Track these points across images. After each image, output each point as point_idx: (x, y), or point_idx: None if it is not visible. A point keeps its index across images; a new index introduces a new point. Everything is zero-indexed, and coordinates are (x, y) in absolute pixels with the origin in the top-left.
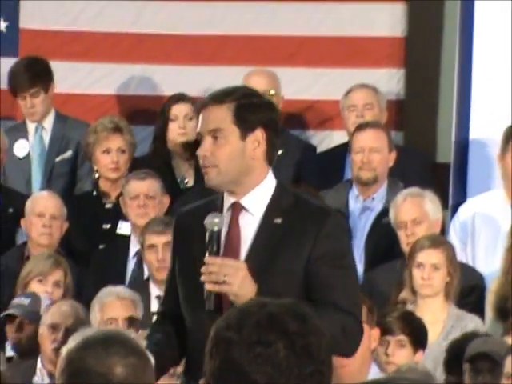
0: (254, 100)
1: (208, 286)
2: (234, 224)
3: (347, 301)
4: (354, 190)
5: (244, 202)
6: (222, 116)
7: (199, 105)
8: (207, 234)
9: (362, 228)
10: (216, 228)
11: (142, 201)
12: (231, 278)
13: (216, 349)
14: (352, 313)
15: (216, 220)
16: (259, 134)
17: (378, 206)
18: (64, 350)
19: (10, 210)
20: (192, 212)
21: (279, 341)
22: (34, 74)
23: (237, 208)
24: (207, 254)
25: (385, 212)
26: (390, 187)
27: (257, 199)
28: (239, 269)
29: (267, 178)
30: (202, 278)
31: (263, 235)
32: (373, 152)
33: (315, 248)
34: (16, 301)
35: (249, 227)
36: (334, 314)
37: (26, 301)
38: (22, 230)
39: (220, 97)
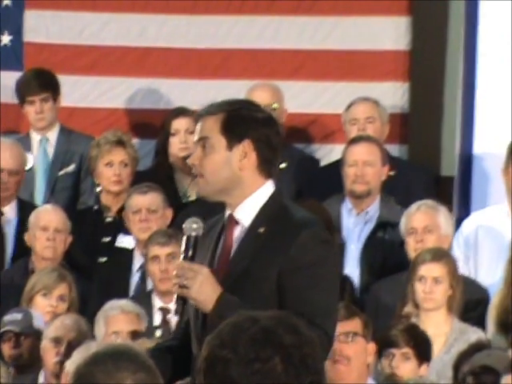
0: (243, 112)
1: (173, 289)
2: (228, 236)
3: (318, 315)
4: (348, 204)
5: (236, 213)
6: (211, 125)
7: (197, 117)
8: (184, 238)
9: (355, 241)
10: (193, 233)
11: (144, 215)
12: (190, 282)
13: (212, 367)
14: (322, 328)
15: (194, 226)
16: (246, 146)
17: (371, 220)
18: (68, 364)
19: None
20: (207, 225)
21: (276, 355)
22: (45, 81)
23: (231, 220)
24: (181, 258)
25: (380, 226)
26: (383, 201)
27: (247, 210)
28: (199, 273)
29: (260, 189)
30: (172, 280)
31: (245, 244)
32: (366, 165)
33: (287, 259)
34: (8, 317)
35: (238, 238)
36: None
37: (18, 316)
38: None
39: (214, 108)
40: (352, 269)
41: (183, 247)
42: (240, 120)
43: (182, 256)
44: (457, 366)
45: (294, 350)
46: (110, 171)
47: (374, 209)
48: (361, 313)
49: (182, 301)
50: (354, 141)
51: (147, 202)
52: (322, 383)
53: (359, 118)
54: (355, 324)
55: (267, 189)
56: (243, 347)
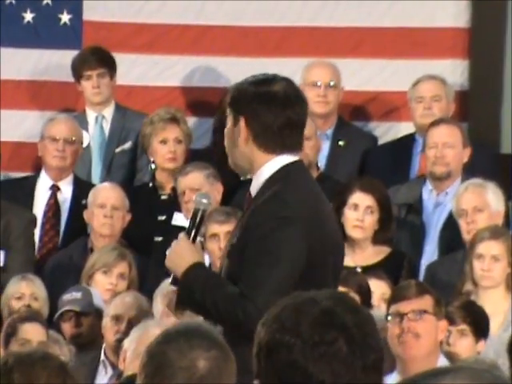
0: (245, 87)
1: None
2: (244, 212)
3: (249, 286)
4: (428, 185)
5: (251, 189)
6: (227, 101)
7: None
8: (192, 211)
9: (435, 223)
10: (201, 207)
11: (187, 196)
12: (168, 251)
13: (275, 352)
14: (250, 299)
15: (204, 200)
16: (241, 122)
17: (451, 201)
18: (126, 342)
19: (83, 202)
20: None
21: (340, 337)
22: (102, 57)
23: (249, 196)
24: (186, 231)
25: None
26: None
27: (255, 186)
28: (176, 243)
29: (266, 165)
30: None
31: (242, 220)
32: (446, 147)
33: (246, 234)
34: (68, 296)
35: None
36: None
37: (78, 295)
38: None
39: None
40: (431, 248)
41: (189, 219)
42: (239, 96)
43: (186, 228)
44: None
45: (356, 330)
46: (165, 148)
47: (454, 190)
48: (432, 290)
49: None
50: (435, 123)
51: (189, 182)
52: (384, 359)
53: (425, 96)
54: (425, 302)
55: (274, 164)
56: (306, 331)
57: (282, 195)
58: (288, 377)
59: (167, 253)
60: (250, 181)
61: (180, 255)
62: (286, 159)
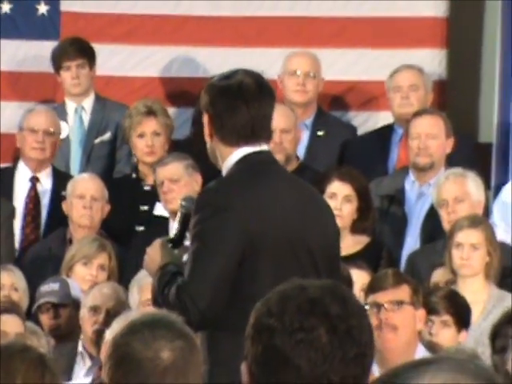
0: (212, 81)
1: None
2: None
3: (186, 276)
4: (411, 176)
5: None
6: None
7: None
8: (178, 214)
9: (417, 213)
10: (183, 210)
11: (166, 186)
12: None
13: (258, 335)
14: (185, 290)
15: (183, 203)
16: (205, 116)
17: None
18: (108, 333)
19: (63, 193)
20: None
21: (321, 325)
22: (81, 47)
23: None
24: (174, 234)
25: None
26: None
27: None
28: (150, 246)
29: (228, 158)
30: None
31: None
32: (429, 138)
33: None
34: (45, 288)
35: None
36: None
37: (55, 286)
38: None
39: None
40: (413, 239)
41: (177, 223)
42: (204, 93)
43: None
44: (494, 336)
45: (339, 321)
46: (143, 142)
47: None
48: (410, 279)
49: None
50: (418, 113)
51: (168, 173)
52: (368, 355)
53: (402, 86)
54: (402, 292)
55: (233, 157)
56: (289, 316)
57: (210, 185)
58: (268, 360)
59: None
60: None
61: (153, 259)
62: (244, 151)
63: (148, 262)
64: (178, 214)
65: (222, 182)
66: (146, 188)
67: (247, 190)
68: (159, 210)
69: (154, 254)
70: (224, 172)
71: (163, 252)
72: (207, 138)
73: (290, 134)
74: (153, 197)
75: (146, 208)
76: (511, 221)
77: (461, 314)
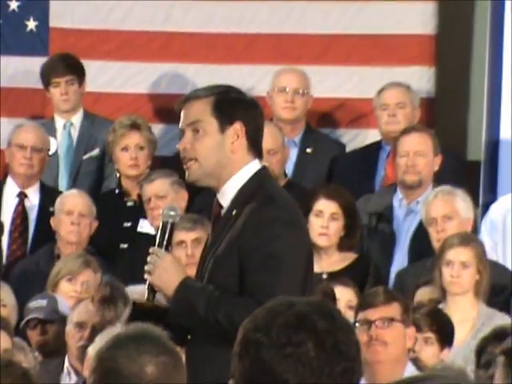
0: (232, 95)
1: (145, 276)
2: (213, 221)
3: (262, 295)
4: (399, 194)
5: (219, 197)
6: (202, 109)
7: (180, 102)
8: (160, 224)
9: (405, 231)
10: (170, 220)
11: (152, 203)
12: (152, 267)
13: (245, 351)
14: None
15: (171, 213)
16: (238, 128)
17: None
18: (91, 349)
19: (51, 209)
20: None
21: (309, 340)
22: (70, 64)
23: (216, 204)
24: (156, 245)
25: None
26: None
27: (227, 192)
28: (161, 259)
29: (244, 169)
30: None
31: (218, 228)
32: (417, 156)
33: (243, 241)
34: (33, 304)
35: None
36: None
37: (43, 302)
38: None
39: (201, 92)
40: (401, 256)
41: (158, 233)
42: (230, 102)
43: (156, 242)
44: (480, 351)
45: (327, 336)
46: (127, 155)
47: (425, 198)
48: (401, 297)
49: (151, 287)
50: (406, 131)
51: (155, 189)
52: (356, 370)
53: (389, 104)
54: (393, 309)
55: (251, 168)
56: (276, 331)
57: (273, 197)
58: (255, 375)
59: (151, 270)
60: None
61: (167, 271)
62: (257, 162)
63: (161, 275)
64: (163, 224)
65: (276, 196)
66: (129, 204)
67: (294, 204)
68: (144, 226)
69: (168, 265)
70: (233, 183)
71: (177, 264)
72: (229, 148)
73: (277, 155)
74: (136, 213)
75: (129, 225)
76: (499, 239)
77: (444, 332)
